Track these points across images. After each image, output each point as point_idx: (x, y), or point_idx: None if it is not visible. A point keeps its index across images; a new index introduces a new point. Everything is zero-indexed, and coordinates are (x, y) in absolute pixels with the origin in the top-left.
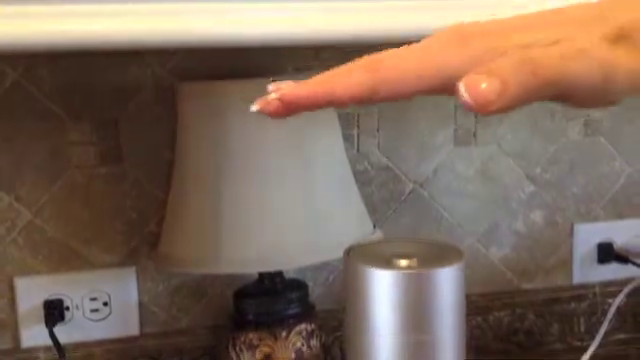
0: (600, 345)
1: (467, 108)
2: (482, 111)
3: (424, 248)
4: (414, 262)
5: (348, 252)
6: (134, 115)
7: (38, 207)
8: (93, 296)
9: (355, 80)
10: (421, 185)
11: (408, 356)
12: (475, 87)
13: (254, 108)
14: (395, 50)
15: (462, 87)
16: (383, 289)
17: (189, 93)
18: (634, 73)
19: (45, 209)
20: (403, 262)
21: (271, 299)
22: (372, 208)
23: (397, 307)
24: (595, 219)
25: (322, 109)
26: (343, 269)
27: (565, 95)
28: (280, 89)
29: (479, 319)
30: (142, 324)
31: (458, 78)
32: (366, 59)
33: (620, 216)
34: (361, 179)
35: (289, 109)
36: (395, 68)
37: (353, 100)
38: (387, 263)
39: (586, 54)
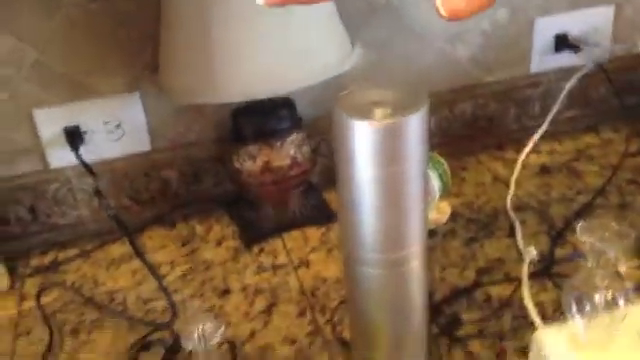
0: (551, 123)
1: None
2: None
3: (397, 94)
4: (388, 111)
5: (335, 103)
6: None
7: (42, 45)
8: (106, 120)
9: None
10: None
11: (383, 184)
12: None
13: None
14: None
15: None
16: (363, 136)
17: None
18: None
19: (48, 46)
20: (379, 111)
21: (265, 117)
22: (348, 20)
23: (374, 148)
24: (554, 12)
25: None
26: (333, 117)
27: None
28: None
29: (446, 111)
30: (152, 141)
31: None
32: None
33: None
34: None
35: None
36: None
37: None
38: (366, 113)
39: None
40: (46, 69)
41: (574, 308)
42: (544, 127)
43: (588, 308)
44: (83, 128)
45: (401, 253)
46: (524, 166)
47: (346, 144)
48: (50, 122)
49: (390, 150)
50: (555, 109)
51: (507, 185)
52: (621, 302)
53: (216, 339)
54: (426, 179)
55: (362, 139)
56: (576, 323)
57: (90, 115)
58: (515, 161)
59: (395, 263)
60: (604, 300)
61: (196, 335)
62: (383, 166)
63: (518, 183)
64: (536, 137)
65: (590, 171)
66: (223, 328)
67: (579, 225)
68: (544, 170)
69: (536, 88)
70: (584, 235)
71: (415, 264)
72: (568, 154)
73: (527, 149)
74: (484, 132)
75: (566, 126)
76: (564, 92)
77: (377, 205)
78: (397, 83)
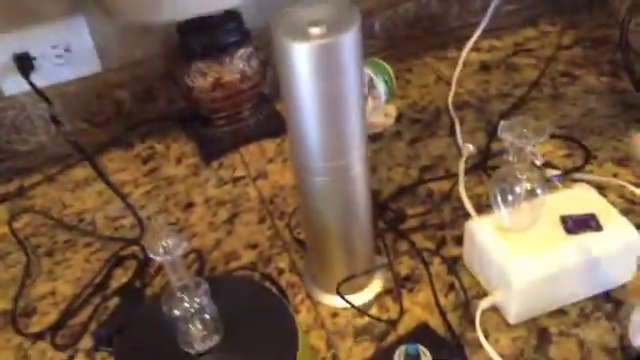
0: (492, 17)
1: None
2: None
3: (331, 12)
4: (323, 30)
5: (273, 24)
6: None
7: None
8: (54, 45)
9: None
10: None
11: (323, 99)
12: None
13: None
14: None
15: None
16: (301, 56)
17: None
18: None
19: None
20: (315, 31)
21: (212, 32)
22: None
23: (311, 66)
24: None
25: None
26: (272, 38)
27: None
28: None
29: (390, 12)
30: (102, 62)
31: None
32: None
33: None
34: None
35: None
36: None
37: None
38: (303, 33)
39: None
40: None
41: (499, 199)
42: (483, 24)
43: (511, 199)
44: (32, 54)
45: (344, 161)
46: (465, 64)
47: (286, 63)
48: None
49: (327, 67)
50: (494, 3)
51: (449, 84)
52: (539, 191)
53: (180, 251)
54: (363, 91)
55: (300, 59)
56: (501, 212)
57: (38, 41)
58: (458, 59)
59: (339, 170)
60: (524, 191)
61: (161, 249)
62: (321, 82)
63: (460, 81)
64: (476, 35)
65: (527, 64)
66: (185, 243)
67: (500, 124)
68: (483, 67)
69: None
70: (505, 133)
71: (357, 170)
72: (507, 49)
73: (467, 48)
74: (428, 32)
75: (506, 21)
76: None
77: (319, 118)
78: (330, 0)
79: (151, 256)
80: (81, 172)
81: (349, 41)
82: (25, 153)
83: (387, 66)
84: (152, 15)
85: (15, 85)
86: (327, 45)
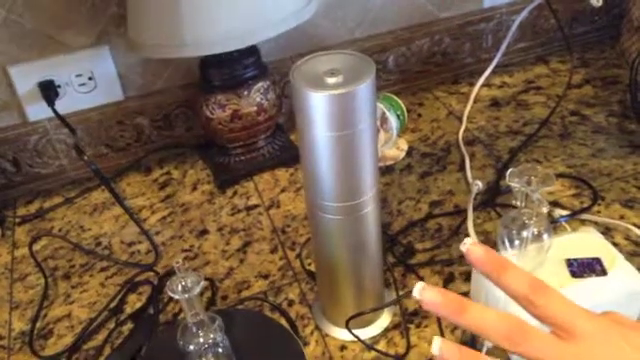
0: (504, 54)
1: None
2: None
3: (348, 62)
4: (340, 79)
5: (293, 72)
6: None
7: (9, 4)
8: (78, 73)
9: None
10: None
11: (338, 145)
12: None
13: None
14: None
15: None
16: (318, 105)
17: None
18: None
19: (16, 4)
20: (331, 80)
21: (232, 67)
22: None
23: (327, 114)
24: None
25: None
26: (291, 85)
27: None
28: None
29: (403, 49)
30: (124, 90)
31: None
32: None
33: None
34: None
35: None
36: None
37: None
38: (320, 82)
39: None
40: (16, 26)
41: (506, 243)
42: (495, 61)
43: (517, 243)
44: (57, 82)
45: (356, 201)
46: (476, 99)
47: (303, 110)
48: (25, 78)
49: (342, 115)
50: (506, 41)
51: (460, 119)
52: (545, 236)
53: (198, 290)
54: (376, 135)
55: (317, 107)
56: (508, 255)
57: (63, 69)
58: (469, 95)
59: (351, 210)
60: (531, 235)
61: (180, 288)
62: (337, 129)
63: (470, 117)
64: (488, 71)
65: (537, 102)
66: (202, 283)
67: (508, 171)
68: (494, 103)
69: (489, 22)
70: (512, 180)
71: (369, 209)
72: (518, 86)
73: (479, 84)
74: (440, 67)
75: (518, 58)
76: (515, 24)
77: (333, 162)
78: (348, 51)
79: (170, 294)
80: (100, 196)
81: (365, 91)
82: (46, 176)
83: (399, 101)
84: (176, 51)
85: (39, 111)
86: (343, 95)
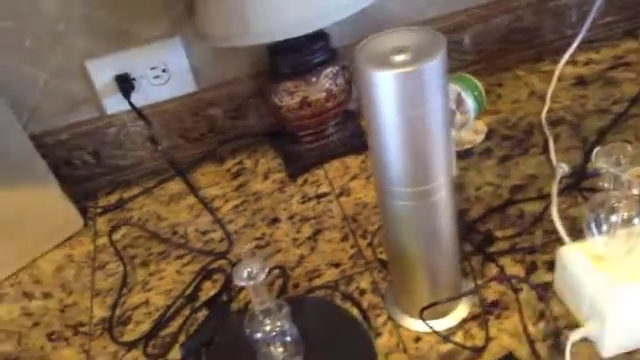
0: (589, 29)
1: None
2: None
3: (416, 38)
4: (407, 57)
5: (356, 52)
6: None
7: None
8: (152, 66)
9: None
10: None
11: (406, 127)
12: None
13: None
14: None
15: None
16: (384, 84)
17: None
18: None
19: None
20: (398, 59)
21: (300, 53)
22: None
23: (395, 95)
24: None
25: None
26: (354, 65)
27: None
28: None
29: (480, 26)
30: (197, 81)
31: None
32: None
33: None
34: None
35: None
36: None
37: None
38: (386, 61)
39: None
40: (93, 20)
41: (594, 228)
42: (580, 37)
43: (605, 227)
44: (132, 75)
45: (427, 186)
46: (560, 78)
47: (369, 91)
48: (102, 71)
49: (411, 95)
50: (592, 16)
51: (543, 99)
52: (636, 221)
53: (263, 277)
54: (448, 116)
55: (383, 87)
56: (596, 240)
57: (137, 62)
58: (552, 73)
59: (423, 195)
60: (620, 219)
61: (245, 275)
62: (405, 110)
63: (554, 96)
64: (572, 47)
65: (627, 79)
66: (267, 269)
67: (595, 151)
68: (580, 81)
69: None
70: (600, 161)
71: (442, 194)
72: (605, 62)
73: (563, 61)
74: (520, 45)
75: (604, 33)
76: None
77: (402, 145)
78: (416, 27)
79: (236, 282)
80: (176, 186)
81: (434, 68)
82: (125, 167)
83: (477, 81)
84: (243, 39)
85: (116, 104)
86: (411, 73)
